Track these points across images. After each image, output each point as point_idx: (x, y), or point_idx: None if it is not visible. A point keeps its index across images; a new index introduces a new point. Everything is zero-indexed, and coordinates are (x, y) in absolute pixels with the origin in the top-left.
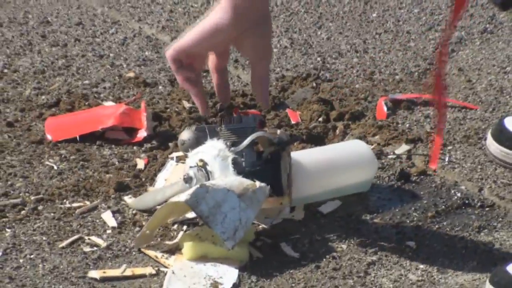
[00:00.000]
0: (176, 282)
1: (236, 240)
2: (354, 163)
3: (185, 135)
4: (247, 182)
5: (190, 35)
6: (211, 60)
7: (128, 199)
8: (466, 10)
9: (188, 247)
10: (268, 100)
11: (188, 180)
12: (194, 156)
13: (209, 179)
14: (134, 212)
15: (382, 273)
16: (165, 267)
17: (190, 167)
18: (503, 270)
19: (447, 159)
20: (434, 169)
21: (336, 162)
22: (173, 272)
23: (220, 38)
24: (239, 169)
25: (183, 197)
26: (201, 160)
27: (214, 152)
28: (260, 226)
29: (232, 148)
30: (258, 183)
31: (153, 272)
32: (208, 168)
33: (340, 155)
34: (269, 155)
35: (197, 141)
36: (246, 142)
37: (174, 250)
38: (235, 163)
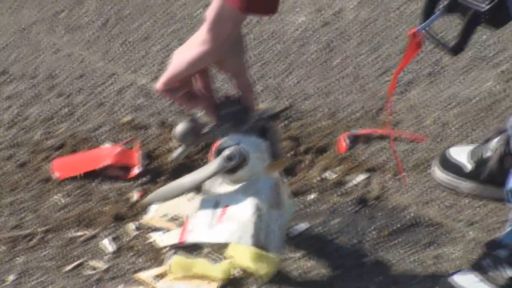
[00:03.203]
0: None
1: (285, 246)
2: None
3: (182, 126)
4: (282, 192)
5: (177, 65)
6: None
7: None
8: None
9: (175, 263)
10: (254, 103)
11: (231, 158)
12: (233, 140)
13: (245, 162)
14: (129, 238)
15: (344, 286)
16: None
17: (226, 147)
18: (448, 280)
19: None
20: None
21: None
22: None
23: (206, 64)
24: None
25: (247, 241)
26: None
27: (258, 154)
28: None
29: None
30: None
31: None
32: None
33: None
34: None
35: (194, 132)
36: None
37: (164, 274)
38: None
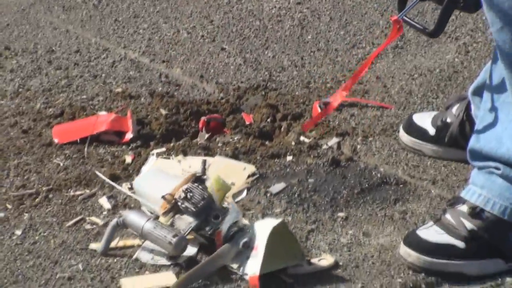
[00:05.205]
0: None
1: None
2: None
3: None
4: None
5: None
6: None
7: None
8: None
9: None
10: None
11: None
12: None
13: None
14: (124, 197)
15: (320, 238)
16: None
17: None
18: (414, 233)
19: (373, 147)
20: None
21: None
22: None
23: None
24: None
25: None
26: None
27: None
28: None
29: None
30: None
31: (140, 243)
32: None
33: None
34: None
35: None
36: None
37: None
38: None
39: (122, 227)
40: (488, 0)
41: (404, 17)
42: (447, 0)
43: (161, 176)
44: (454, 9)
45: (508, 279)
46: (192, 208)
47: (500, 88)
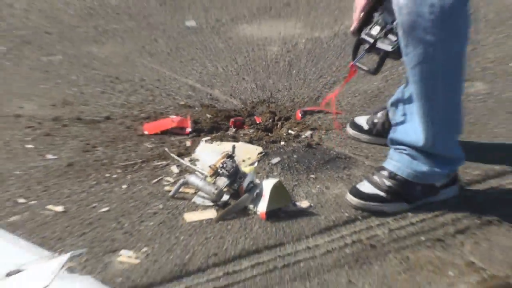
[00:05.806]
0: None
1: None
2: None
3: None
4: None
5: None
6: None
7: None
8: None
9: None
10: None
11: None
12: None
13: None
14: (186, 165)
15: (300, 190)
16: None
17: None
18: (355, 187)
19: (331, 137)
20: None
21: None
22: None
23: None
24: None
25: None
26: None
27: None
28: None
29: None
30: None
31: (194, 192)
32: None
33: None
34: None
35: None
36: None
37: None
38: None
39: (186, 184)
40: (405, 50)
41: (356, 63)
42: (383, 53)
43: (209, 154)
44: (387, 57)
45: (409, 214)
46: (226, 173)
47: (409, 102)
